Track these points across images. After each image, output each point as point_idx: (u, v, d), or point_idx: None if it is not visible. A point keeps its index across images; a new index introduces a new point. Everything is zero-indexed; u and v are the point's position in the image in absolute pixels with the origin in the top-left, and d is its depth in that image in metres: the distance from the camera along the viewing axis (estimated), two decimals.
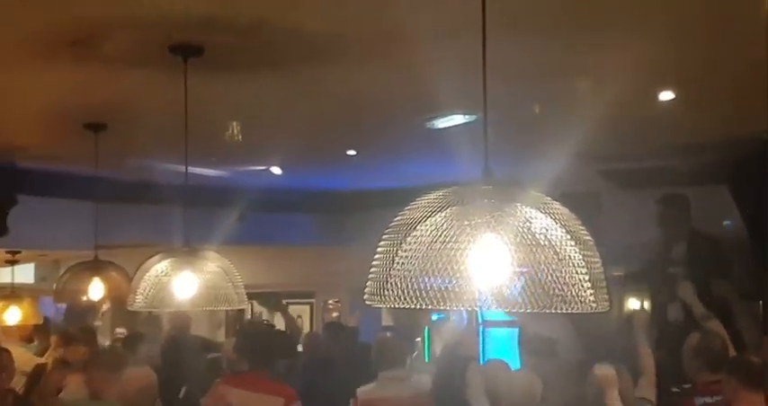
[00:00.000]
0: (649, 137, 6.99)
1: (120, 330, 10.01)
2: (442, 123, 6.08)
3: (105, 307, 10.04)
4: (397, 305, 2.62)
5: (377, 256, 2.71)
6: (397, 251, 2.64)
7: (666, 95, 5.56)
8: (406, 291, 2.60)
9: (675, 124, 6.32)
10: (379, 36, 4.35)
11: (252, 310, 12.92)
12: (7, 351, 6.22)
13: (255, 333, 6.49)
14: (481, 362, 8.38)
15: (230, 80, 5.13)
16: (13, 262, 10.06)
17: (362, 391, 6.01)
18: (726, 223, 7.61)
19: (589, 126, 5.70)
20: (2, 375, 5.84)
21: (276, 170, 8.56)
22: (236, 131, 6.22)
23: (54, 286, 7.39)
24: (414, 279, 2.59)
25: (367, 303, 2.75)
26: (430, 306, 2.58)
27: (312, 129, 6.77)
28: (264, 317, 11.99)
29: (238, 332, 8.04)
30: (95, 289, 6.92)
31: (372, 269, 2.72)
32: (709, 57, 4.72)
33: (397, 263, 2.63)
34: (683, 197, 7.21)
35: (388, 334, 6.50)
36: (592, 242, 2.70)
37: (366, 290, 2.74)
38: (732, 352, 5.61)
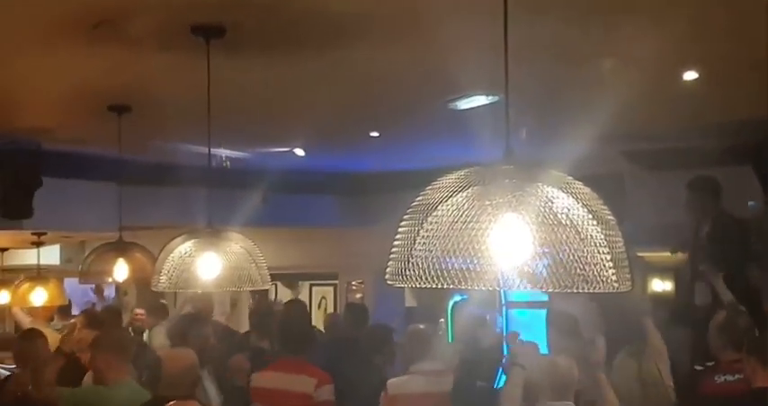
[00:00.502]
0: (673, 118, 6.96)
1: (140, 311, 10.06)
2: (465, 104, 6.07)
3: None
4: (418, 285, 2.63)
5: (398, 236, 2.72)
6: (418, 231, 2.65)
7: (690, 75, 5.52)
8: (427, 271, 2.60)
9: (699, 104, 6.29)
10: (403, 16, 4.34)
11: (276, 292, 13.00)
12: (43, 337, 6.22)
13: (286, 318, 6.52)
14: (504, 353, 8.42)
15: (252, 61, 5.13)
16: (38, 244, 10.13)
17: (392, 384, 5.99)
18: (751, 204, 7.55)
19: (612, 106, 5.67)
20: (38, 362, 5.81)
21: (299, 151, 8.56)
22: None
23: (79, 267, 7.45)
24: (435, 259, 2.60)
25: (388, 283, 2.76)
26: (451, 286, 2.58)
27: (335, 111, 6.76)
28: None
29: (261, 316, 8.04)
30: (120, 270, 6.97)
31: (394, 250, 2.73)
32: (732, 37, 4.69)
33: (419, 243, 2.64)
34: (714, 180, 7.08)
35: (421, 326, 6.46)
36: (614, 222, 2.70)
37: (387, 270, 2.75)
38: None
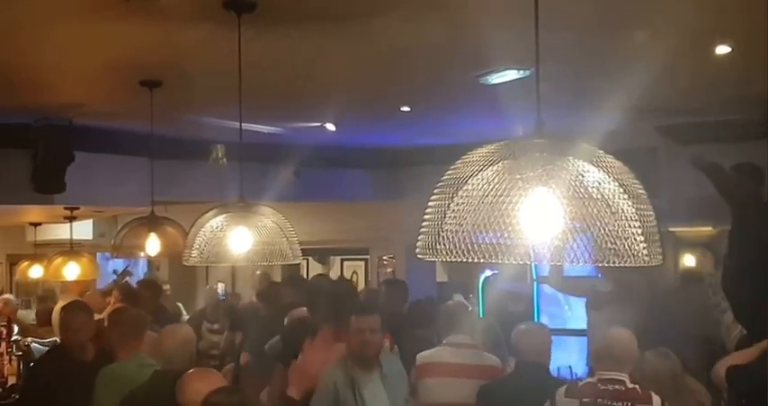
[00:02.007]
0: (707, 92, 6.90)
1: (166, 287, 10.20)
2: (496, 79, 6.04)
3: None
4: (448, 259, 2.63)
5: (428, 210, 2.72)
6: (448, 205, 2.65)
7: (723, 49, 5.47)
8: (457, 245, 2.60)
9: (733, 78, 6.23)
10: None
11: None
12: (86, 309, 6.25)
13: (335, 293, 6.48)
14: (536, 319, 8.43)
15: (283, 36, 5.12)
16: (71, 219, 10.20)
17: (422, 355, 5.99)
18: None
19: (645, 80, 5.63)
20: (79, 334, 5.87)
21: (330, 126, 8.56)
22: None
23: (112, 241, 7.50)
24: (465, 234, 2.59)
25: (419, 256, 2.76)
26: (482, 260, 2.58)
27: (365, 85, 6.76)
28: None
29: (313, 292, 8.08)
30: (152, 245, 7.01)
31: (424, 224, 2.73)
32: (765, 11, 4.63)
33: (449, 217, 2.63)
34: (759, 169, 6.88)
35: (457, 299, 6.47)
36: (645, 196, 2.68)
37: (418, 244, 2.75)
38: None
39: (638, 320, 6.54)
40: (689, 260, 9.16)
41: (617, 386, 4.70)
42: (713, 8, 4.59)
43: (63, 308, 6.18)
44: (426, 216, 2.72)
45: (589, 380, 4.87)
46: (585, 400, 4.70)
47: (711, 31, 5.13)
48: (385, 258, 12.38)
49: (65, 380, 5.57)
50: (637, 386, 4.69)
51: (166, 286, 10.19)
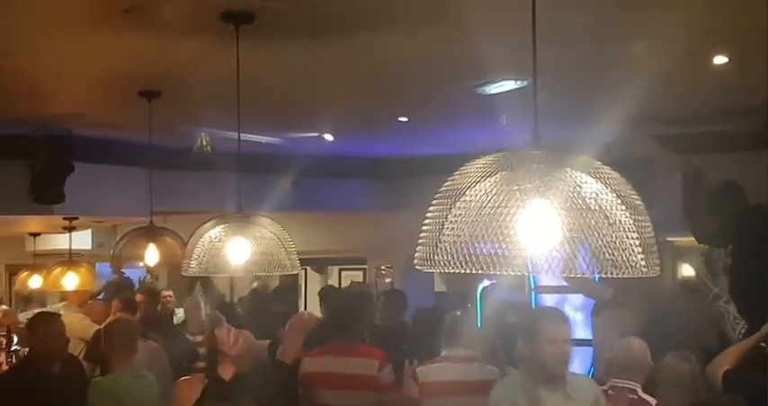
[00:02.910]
0: (704, 102, 6.92)
1: (168, 293, 10.16)
2: (494, 89, 6.05)
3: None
4: (446, 270, 2.64)
5: (426, 221, 2.73)
6: (446, 216, 2.66)
7: (721, 59, 5.49)
8: (455, 256, 2.61)
9: (730, 88, 6.25)
10: (432, 1, 4.34)
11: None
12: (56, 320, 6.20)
13: (343, 304, 6.49)
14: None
15: (281, 47, 5.15)
16: (70, 229, 10.19)
17: (422, 372, 5.79)
18: None
19: (642, 90, 5.65)
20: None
21: (328, 136, 8.58)
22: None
23: (111, 252, 7.50)
24: (463, 245, 2.60)
25: (417, 267, 2.77)
26: (479, 271, 2.59)
27: (363, 96, 6.77)
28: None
29: (325, 303, 8.11)
30: (151, 255, 7.01)
31: (422, 235, 2.74)
32: (763, 21, 4.65)
33: (447, 228, 2.64)
34: (737, 187, 6.88)
35: (458, 313, 6.44)
36: (642, 207, 2.70)
37: (416, 255, 2.76)
38: None
39: (638, 326, 6.55)
40: (686, 270, 9.17)
41: (630, 395, 4.71)
42: (710, 19, 4.61)
43: (32, 319, 6.10)
44: (424, 227, 2.73)
45: (601, 388, 4.87)
46: None
47: (709, 42, 5.15)
48: (383, 268, 12.38)
49: (33, 394, 5.48)
50: (648, 398, 4.71)
51: (169, 293, 10.16)
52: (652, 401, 4.73)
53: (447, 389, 5.69)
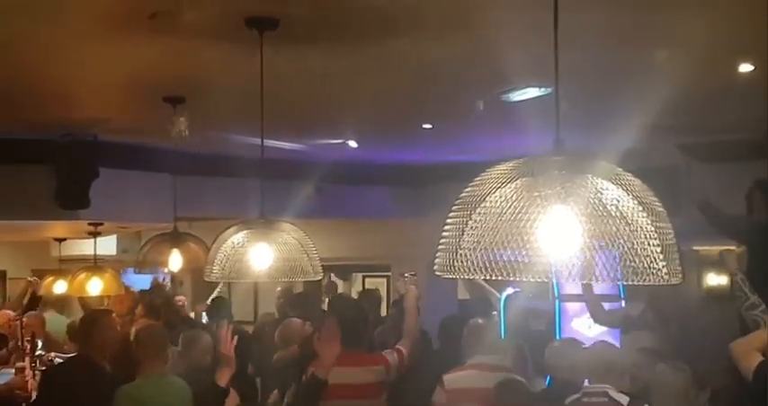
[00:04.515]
0: (729, 110, 6.88)
1: (181, 297, 10.24)
2: (518, 96, 6.05)
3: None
4: (466, 277, 2.63)
5: (446, 228, 2.72)
6: (466, 222, 2.65)
7: (746, 67, 5.46)
8: (475, 263, 2.60)
9: (755, 96, 6.20)
10: (455, 6, 4.34)
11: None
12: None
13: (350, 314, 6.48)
14: (557, 337, 8.41)
15: (305, 53, 5.16)
16: (95, 234, 10.25)
17: (450, 379, 5.90)
18: None
19: (667, 98, 5.63)
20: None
21: (352, 143, 8.59)
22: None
23: (135, 257, 7.55)
24: (483, 251, 2.59)
25: (437, 274, 2.76)
26: (500, 277, 2.58)
27: (388, 103, 6.78)
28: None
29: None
30: (174, 260, 7.05)
31: (442, 241, 2.73)
32: None
33: (467, 235, 2.63)
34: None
35: (480, 320, 6.44)
36: (664, 214, 2.68)
37: (436, 262, 2.76)
38: None
39: (667, 341, 6.53)
40: (713, 279, 9.12)
41: (602, 399, 4.72)
42: (735, 26, 4.58)
43: (87, 315, 6.22)
44: (444, 234, 2.73)
45: (575, 396, 4.90)
46: None
47: (734, 50, 5.12)
48: (406, 274, 12.35)
49: (87, 385, 5.59)
50: (622, 397, 4.71)
51: (180, 297, 10.22)
52: (624, 400, 4.73)
53: (475, 397, 5.68)
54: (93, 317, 6.08)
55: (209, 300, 9.78)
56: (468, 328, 6.30)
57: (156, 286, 9.56)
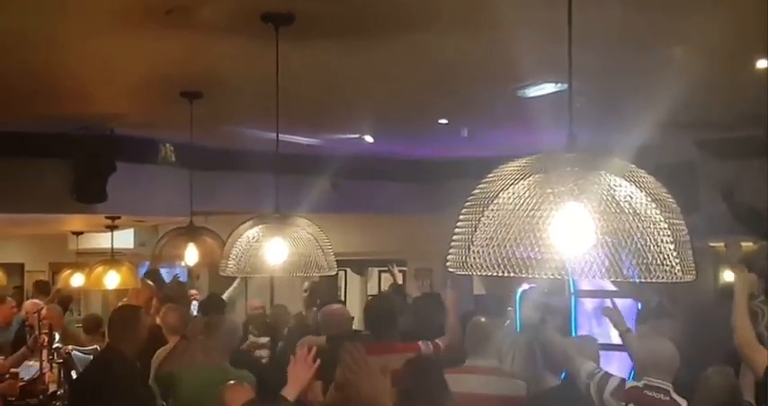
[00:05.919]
0: (746, 106, 6.85)
1: (194, 291, 10.30)
2: (533, 92, 6.04)
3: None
4: (479, 273, 2.64)
5: (459, 224, 2.72)
6: (479, 219, 2.65)
7: (763, 63, 5.44)
8: (488, 259, 2.61)
9: None
10: (472, 3, 4.34)
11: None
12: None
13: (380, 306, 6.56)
14: (573, 333, 8.38)
15: (321, 48, 5.17)
16: (112, 228, 10.29)
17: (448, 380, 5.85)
18: None
19: (683, 94, 5.61)
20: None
21: (368, 138, 8.59)
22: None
23: (152, 251, 7.57)
24: (496, 247, 2.60)
25: (449, 270, 2.77)
26: (512, 274, 2.58)
27: (404, 98, 6.78)
28: None
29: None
30: (190, 255, 7.06)
31: (455, 237, 2.73)
32: None
33: (480, 231, 2.64)
34: None
35: (482, 319, 6.39)
36: (678, 210, 2.67)
37: (449, 258, 2.76)
38: None
39: (682, 334, 6.51)
40: (729, 276, 9.08)
41: (661, 395, 4.71)
42: (752, 22, 4.56)
43: (117, 310, 6.33)
44: (457, 230, 2.73)
45: (636, 384, 4.88)
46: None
47: (751, 46, 5.10)
48: (420, 270, 12.36)
49: (118, 378, 5.66)
50: (678, 399, 4.71)
51: (193, 291, 10.26)
52: (683, 402, 4.73)
53: (466, 401, 5.56)
54: (132, 313, 6.11)
55: (206, 295, 9.88)
56: (468, 327, 6.23)
57: (176, 284, 9.61)
